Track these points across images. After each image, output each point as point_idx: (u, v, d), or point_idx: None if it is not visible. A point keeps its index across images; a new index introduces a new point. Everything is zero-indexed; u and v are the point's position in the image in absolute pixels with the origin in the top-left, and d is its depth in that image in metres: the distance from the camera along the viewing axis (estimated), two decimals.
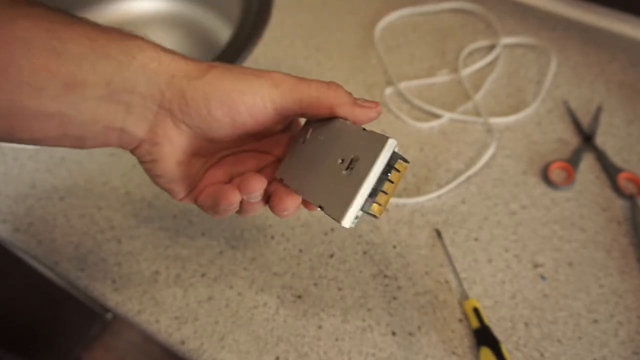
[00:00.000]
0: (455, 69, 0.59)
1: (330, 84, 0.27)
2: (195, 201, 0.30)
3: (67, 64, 0.23)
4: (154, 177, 0.29)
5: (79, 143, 0.26)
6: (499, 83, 0.58)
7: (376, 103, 0.27)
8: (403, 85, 0.57)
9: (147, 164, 0.28)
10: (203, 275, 0.43)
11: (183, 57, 0.26)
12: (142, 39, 0.26)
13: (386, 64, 0.60)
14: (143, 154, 0.28)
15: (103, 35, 0.24)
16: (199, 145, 0.28)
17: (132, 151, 0.28)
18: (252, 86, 0.26)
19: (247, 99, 0.26)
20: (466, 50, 0.61)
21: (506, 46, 0.62)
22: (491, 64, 0.60)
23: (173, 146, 0.27)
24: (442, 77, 0.58)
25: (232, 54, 0.61)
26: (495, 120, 0.54)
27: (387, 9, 0.66)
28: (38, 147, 0.52)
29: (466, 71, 0.59)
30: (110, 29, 0.25)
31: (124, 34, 0.25)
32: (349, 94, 0.27)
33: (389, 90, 0.57)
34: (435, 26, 0.64)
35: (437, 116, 0.55)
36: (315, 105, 0.27)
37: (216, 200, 0.27)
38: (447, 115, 0.54)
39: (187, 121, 0.26)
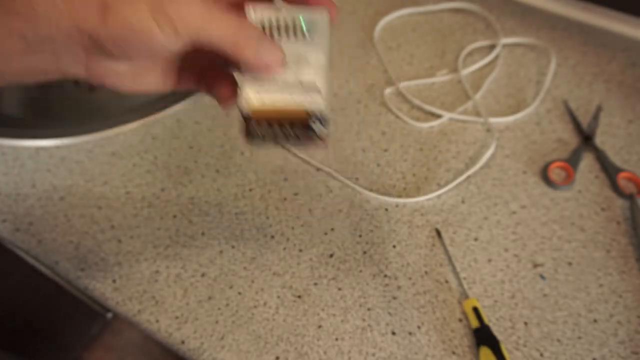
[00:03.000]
0: (455, 69, 0.59)
1: (240, 28, 0.25)
2: (196, 86, 0.31)
3: None
4: (131, 94, 0.29)
5: (21, 82, 0.27)
6: (499, 83, 0.58)
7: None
8: (403, 85, 0.57)
9: (113, 90, 0.28)
10: (203, 275, 0.44)
11: None
12: None
13: (386, 63, 0.60)
14: (100, 85, 0.28)
15: None
16: (143, 64, 0.28)
17: (89, 81, 0.28)
18: (151, 33, 0.24)
19: (154, 44, 0.25)
20: (466, 50, 0.61)
21: (506, 46, 0.62)
22: (491, 64, 0.60)
23: (120, 74, 0.27)
24: (442, 77, 0.58)
25: None
26: (495, 120, 0.54)
27: (387, 9, 0.66)
28: (38, 147, 0.52)
29: (466, 71, 0.59)
30: None
31: None
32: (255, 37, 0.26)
33: (388, 90, 0.57)
34: (435, 26, 0.64)
35: (437, 116, 0.55)
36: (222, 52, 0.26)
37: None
38: (447, 115, 0.54)
39: (115, 58, 0.26)
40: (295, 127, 0.29)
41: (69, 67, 0.26)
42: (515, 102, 0.56)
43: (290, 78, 0.28)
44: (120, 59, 0.26)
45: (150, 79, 0.29)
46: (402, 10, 0.65)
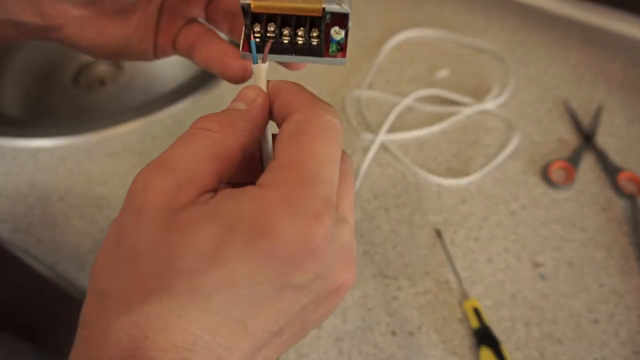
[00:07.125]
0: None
1: None
2: (175, 52, 0.27)
3: None
4: (105, 56, 0.25)
5: None
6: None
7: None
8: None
9: (79, 49, 0.25)
10: None
11: None
12: None
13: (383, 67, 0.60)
14: (61, 41, 0.24)
15: None
16: (103, 6, 0.24)
17: (50, 40, 0.25)
18: None
19: None
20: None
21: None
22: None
23: (79, 21, 0.23)
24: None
25: None
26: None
27: (397, 28, 0.65)
28: (38, 147, 0.52)
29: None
30: None
31: None
32: None
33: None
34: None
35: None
36: None
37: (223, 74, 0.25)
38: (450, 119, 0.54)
39: None
40: (305, 29, 0.21)
41: (19, 14, 0.22)
42: (516, 101, 0.56)
43: None
44: None
45: (118, 29, 0.25)
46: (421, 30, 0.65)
